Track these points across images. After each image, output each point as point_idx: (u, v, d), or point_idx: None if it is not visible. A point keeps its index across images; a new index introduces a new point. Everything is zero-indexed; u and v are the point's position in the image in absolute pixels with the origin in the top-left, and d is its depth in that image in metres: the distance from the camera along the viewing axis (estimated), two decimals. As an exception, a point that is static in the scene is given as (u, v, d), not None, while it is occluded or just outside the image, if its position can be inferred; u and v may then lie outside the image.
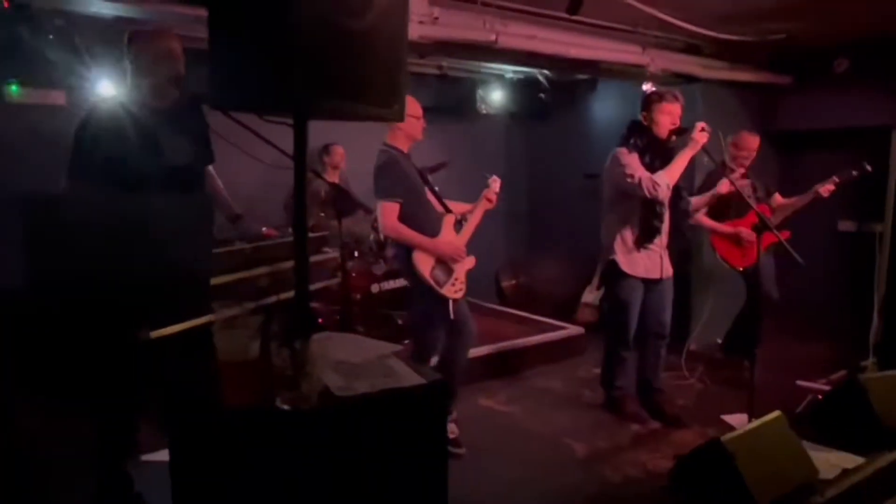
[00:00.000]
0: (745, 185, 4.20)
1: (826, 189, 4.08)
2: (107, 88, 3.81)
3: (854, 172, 4.05)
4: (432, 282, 3.18)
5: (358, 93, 1.56)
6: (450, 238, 3.32)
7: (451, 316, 3.23)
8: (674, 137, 3.49)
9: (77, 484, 2.64)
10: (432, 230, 3.28)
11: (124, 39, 2.49)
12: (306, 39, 1.46)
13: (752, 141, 4.28)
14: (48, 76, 3.96)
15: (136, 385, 2.42)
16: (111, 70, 3.80)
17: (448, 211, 3.39)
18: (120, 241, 1.53)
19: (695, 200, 4.10)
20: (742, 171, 4.31)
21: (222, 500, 1.58)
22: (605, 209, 3.72)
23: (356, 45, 1.54)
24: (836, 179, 4.06)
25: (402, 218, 3.17)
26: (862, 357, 4.40)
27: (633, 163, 3.48)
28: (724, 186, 3.90)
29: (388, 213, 3.16)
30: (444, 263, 3.24)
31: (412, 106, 3.24)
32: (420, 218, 3.23)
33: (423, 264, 3.19)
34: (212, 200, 2.59)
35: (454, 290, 3.24)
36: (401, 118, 1.71)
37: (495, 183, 3.49)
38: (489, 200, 3.44)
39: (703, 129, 3.35)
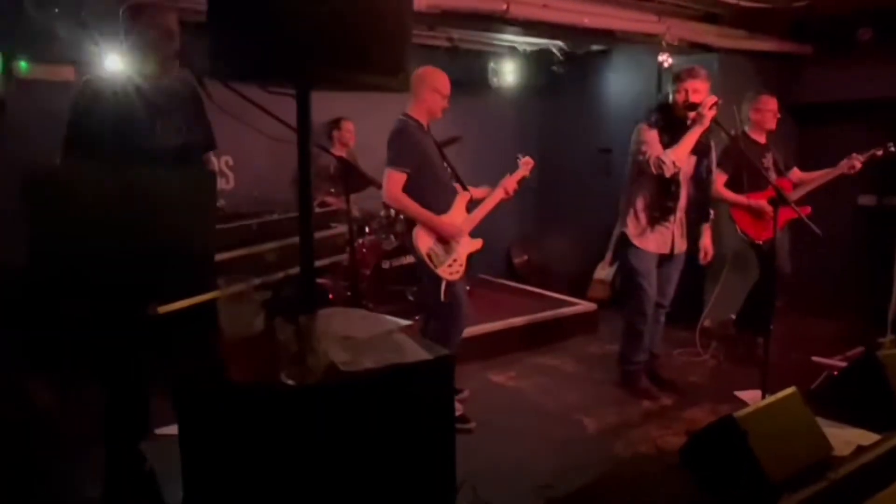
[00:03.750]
0: (765, 159, 4.11)
1: (851, 166, 3.99)
2: (115, 63, 3.77)
3: (878, 153, 3.97)
4: (428, 259, 3.13)
5: (362, 62, 1.52)
6: (459, 217, 3.26)
7: (442, 297, 3.17)
8: (691, 113, 3.41)
9: (88, 460, 2.67)
10: (443, 206, 3.22)
11: (121, 13, 2.45)
12: (308, 6, 1.42)
13: (772, 102, 4.17)
14: (57, 51, 3.94)
15: (145, 361, 2.43)
16: (119, 44, 3.76)
17: (465, 189, 3.32)
18: (119, 214, 1.51)
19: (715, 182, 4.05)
20: (764, 139, 4.19)
21: (230, 473, 1.58)
22: (626, 182, 3.70)
23: (360, 13, 1.50)
24: (861, 158, 3.97)
25: (411, 189, 3.11)
26: (880, 333, 4.33)
27: (650, 139, 3.44)
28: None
29: (392, 182, 3.10)
30: (447, 242, 3.19)
31: (440, 81, 3.20)
32: (431, 192, 3.17)
33: (423, 240, 3.14)
34: (215, 178, 2.56)
35: (450, 270, 3.18)
36: (405, 88, 1.66)
37: (526, 166, 3.45)
38: (506, 191, 3.39)
39: (712, 105, 3.27)
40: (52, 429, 2.93)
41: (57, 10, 3.34)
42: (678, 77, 3.47)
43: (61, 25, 3.56)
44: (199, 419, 1.70)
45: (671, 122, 3.46)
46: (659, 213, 3.53)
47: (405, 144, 3.12)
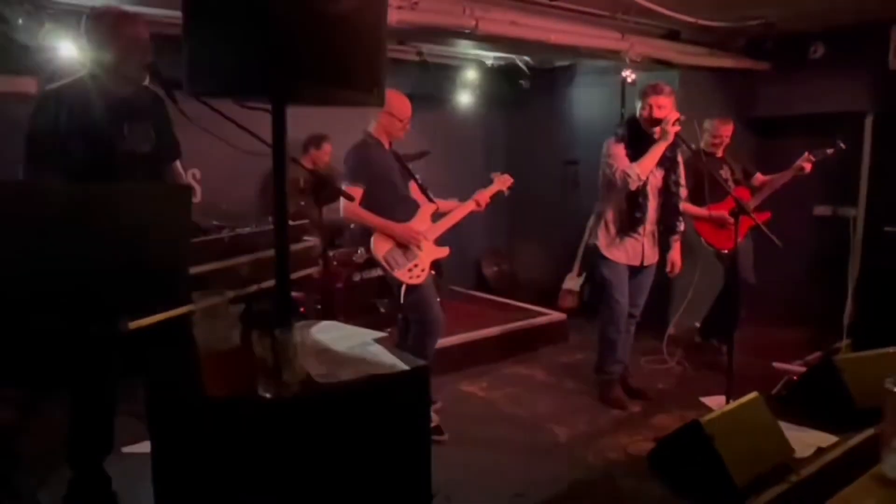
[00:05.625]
0: (723, 171, 4.25)
1: (801, 167, 4.12)
2: (79, 72, 3.71)
3: (829, 150, 4.11)
4: (385, 263, 3.22)
5: (337, 78, 1.54)
6: (422, 225, 3.33)
7: (401, 300, 3.24)
8: (657, 129, 3.52)
9: (51, 481, 2.60)
10: (405, 217, 3.30)
11: (84, 19, 2.37)
12: (284, 23, 1.43)
13: (724, 128, 4.32)
14: (18, 63, 3.85)
15: (113, 378, 2.38)
16: (84, 53, 3.69)
17: (430, 201, 3.40)
18: (91, 228, 1.50)
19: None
20: (720, 153, 4.35)
21: (204, 490, 1.57)
22: (599, 195, 3.80)
23: (335, 30, 1.52)
24: (812, 158, 4.11)
25: (369, 204, 3.20)
26: (836, 339, 4.49)
27: (615, 153, 3.55)
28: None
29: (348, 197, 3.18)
30: (406, 248, 3.26)
31: (397, 105, 3.26)
32: (391, 204, 3.26)
33: (379, 246, 3.23)
34: (191, 191, 2.53)
35: (410, 275, 3.24)
36: (381, 103, 1.69)
37: (503, 183, 3.56)
38: (478, 204, 3.48)
39: (675, 121, 3.39)
40: (14, 447, 2.84)
41: (21, 22, 3.27)
42: (643, 93, 3.58)
43: (24, 37, 3.49)
44: (173, 435, 1.69)
45: (637, 137, 3.57)
46: (628, 225, 3.62)
47: (358, 161, 3.23)
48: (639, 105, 3.59)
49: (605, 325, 3.78)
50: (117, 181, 2.29)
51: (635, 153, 3.53)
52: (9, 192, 1.62)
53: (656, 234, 3.76)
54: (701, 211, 4.18)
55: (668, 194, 3.68)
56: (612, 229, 3.67)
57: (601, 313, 3.83)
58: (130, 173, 2.38)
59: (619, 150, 3.55)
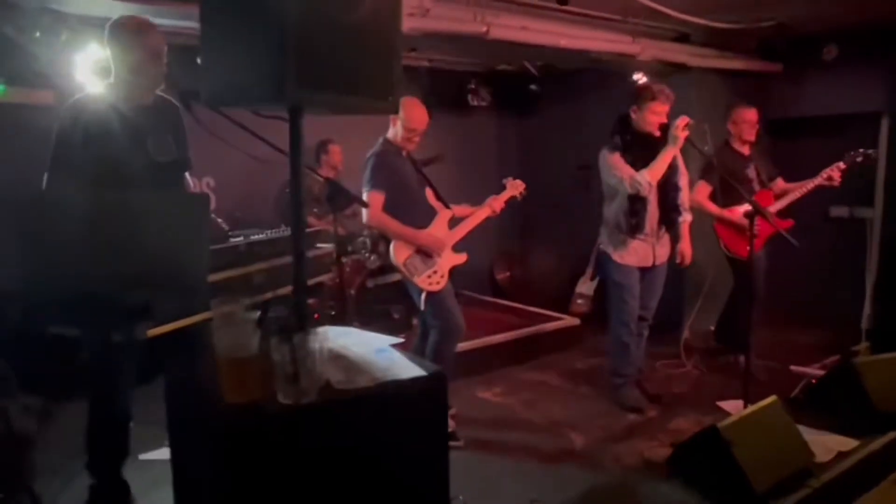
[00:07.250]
0: (749, 170, 4.18)
1: (830, 177, 4.01)
2: (98, 85, 3.76)
3: (858, 158, 4.02)
4: (405, 270, 3.23)
5: (352, 86, 1.55)
6: (440, 232, 3.34)
7: (421, 306, 3.25)
8: (657, 133, 3.49)
9: (72, 488, 2.63)
10: (423, 223, 3.31)
11: (105, 32, 2.41)
12: (299, 33, 1.45)
13: (749, 113, 4.19)
14: (36, 75, 3.91)
15: (130, 384, 2.40)
16: (100, 69, 3.75)
17: (447, 207, 3.42)
18: (113, 238, 1.52)
19: (699, 194, 4.08)
20: (747, 151, 4.25)
21: (223, 497, 1.57)
22: (603, 202, 3.80)
23: (350, 38, 1.53)
24: (842, 166, 4.02)
25: (390, 209, 3.21)
26: (855, 341, 4.43)
27: (616, 163, 3.55)
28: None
29: (372, 203, 3.20)
30: (425, 254, 3.27)
31: (410, 115, 3.20)
32: (409, 210, 3.27)
33: (399, 253, 3.24)
34: (208, 199, 2.56)
35: (430, 281, 3.25)
36: (395, 111, 1.70)
37: (515, 188, 3.57)
38: (492, 209, 3.50)
39: (684, 126, 3.38)
40: (35, 453, 2.87)
41: (38, 34, 3.32)
42: (640, 97, 3.52)
43: (41, 49, 3.55)
44: (192, 442, 1.70)
45: (633, 142, 3.55)
46: (632, 230, 3.61)
47: (378, 167, 3.23)
48: (638, 107, 3.54)
49: (618, 328, 3.77)
50: (139, 192, 2.31)
51: (635, 159, 3.52)
52: (32, 203, 1.65)
53: (662, 233, 3.73)
54: (714, 208, 4.11)
55: (664, 192, 3.64)
56: (619, 234, 3.67)
57: (613, 317, 3.81)
58: (151, 184, 2.40)
59: (618, 159, 3.55)
